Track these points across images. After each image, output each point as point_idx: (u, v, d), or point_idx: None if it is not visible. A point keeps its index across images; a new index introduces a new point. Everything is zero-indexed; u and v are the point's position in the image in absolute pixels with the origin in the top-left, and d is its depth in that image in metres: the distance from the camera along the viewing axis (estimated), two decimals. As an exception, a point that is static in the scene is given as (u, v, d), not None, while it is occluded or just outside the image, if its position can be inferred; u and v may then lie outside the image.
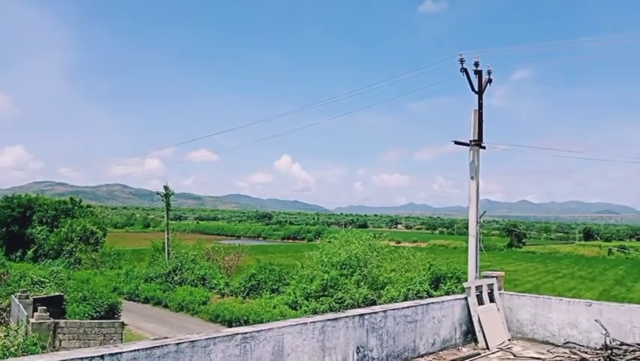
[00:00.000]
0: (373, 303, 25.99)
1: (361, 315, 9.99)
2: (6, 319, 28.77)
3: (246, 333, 7.60)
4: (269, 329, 8.03)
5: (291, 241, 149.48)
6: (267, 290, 34.46)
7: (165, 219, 50.90)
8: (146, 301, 38.21)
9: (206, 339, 7.00)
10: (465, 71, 14.79)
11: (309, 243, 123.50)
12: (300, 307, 29.36)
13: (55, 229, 59.83)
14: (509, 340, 13.31)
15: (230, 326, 28.82)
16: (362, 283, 29.17)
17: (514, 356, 12.00)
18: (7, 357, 17.39)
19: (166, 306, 36.40)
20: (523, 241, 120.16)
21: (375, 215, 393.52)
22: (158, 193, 50.92)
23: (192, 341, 6.80)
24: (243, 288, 35.59)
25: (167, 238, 46.49)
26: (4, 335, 21.22)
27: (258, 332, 7.80)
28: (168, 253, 44.93)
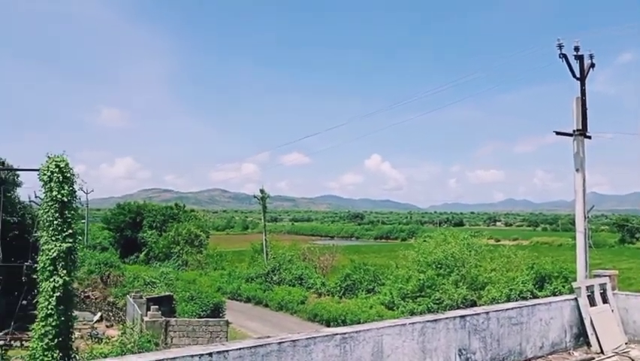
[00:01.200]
0: (473, 304, 25.14)
1: (462, 316, 9.70)
2: (122, 317, 31.12)
3: (345, 333, 7.66)
4: (368, 330, 8.03)
5: (383, 240, 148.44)
6: (362, 290, 34.45)
7: (262, 221, 52.59)
8: (248, 300, 39.67)
9: (306, 339, 7.14)
10: (564, 56, 13.90)
11: (403, 242, 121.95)
12: (397, 308, 29.02)
13: (163, 233, 63.75)
14: (626, 343, 12.33)
15: (328, 325, 29.15)
16: (460, 284, 28.30)
17: (633, 360, 11.11)
18: (125, 353, 18.70)
19: (266, 305, 37.57)
20: (637, 236, 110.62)
21: (472, 212, 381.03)
22: (254, 196, 52.71)
23: (294, 341, 6.96)
24: (338, 288, 35.86)
25: (265, 240, 47.97)
26: (122, 333, 22.93)
27: (357, 332, 7.83)
28: (266, 254, 46.36)
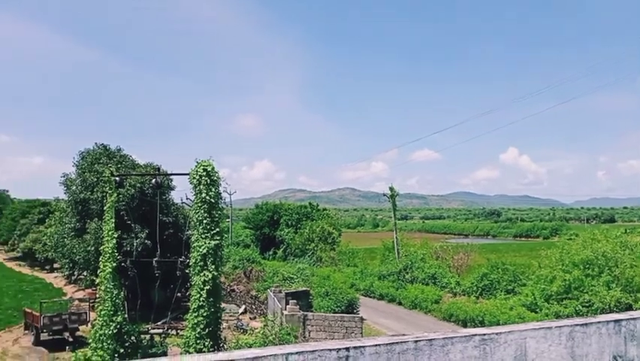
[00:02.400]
0: (629, 308, 22.79)
1: (617, 321, 8.83)
2: (264, 310, 32.94)
3: (484, 335, 7.37)
4: (509, 332, 7.64)
5: (523, 239, 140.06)
6: (501, 291, 32.86)
7: (393, 219, 52.37)
8: (381, 297, 39.83)
9: (443, 338, 6.99)
10: None
11: (545, 241, 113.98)
12: (540, 310, 27.24)
13: (298, 231, 66.39)
14: None
15: (464, 326, 28.28)
16: (613, 285, 25.75)
17: None
18: (267, 345, 19.77)
19: (400, 303, 37.41)
20: None
21: (625, 207, 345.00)
22: (384, 195, 52.65)
23: (430, 340, 6.85)
24: (475, 288, 34.58)
25: (396, 238, 47.76)
26: (264, 325, 24.25)
27: (497, 334, 7.49)
28: (398, 252, 46.15)
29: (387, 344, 6.54)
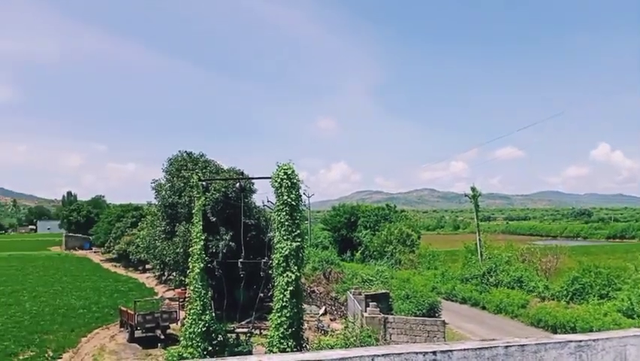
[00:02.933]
0: None
1: None
2: (344, 312, 33.07)
3: (580, 341, 7.01)
4: (607, 339, 7.23)
5: (617, 240, 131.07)
6: (593, 295, 30.98)
7: (475, 220, 50.84)
8: (464, 301, 38.77)
9: (536, 344, 6.73)
10: None
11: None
12: (639, 316, 25.49)
13: (376, 233, 66.12)
14: None
15: (554, 332, 26.94)
16: None
17: None
18: (348, 346, 19.83)
19: (483, 307, 36.25)
20: None
21: None
22: (465, 195, 51.23)
23: (522, 345, 6.63)
24: (565, 292, 32.81)
25: (479, 240, 46.33)
26: (344, 327, 24.39)
27: (594, 340, 7.10)
28: (481, 255, 44.74)
29: (475, 349, 6.39)
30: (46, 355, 26.03)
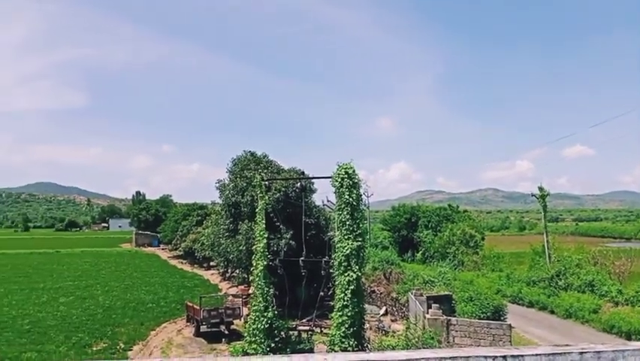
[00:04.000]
0: None
1: None
2: (405, 313, 32.69)
3: (663, 350, 6.61)
4: (693, 348, 6.77)
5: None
6: (673, 301, 29.09)
7: (542, 221, 48.93)
8: (530, 305, 37.38)
9: (613, 351, 6.41)
10: None
11: None
12: None
13: (438, 233, 64.96)
14: None
15: (629, 338, 25.56)
16: None
17: None
18: (410, 347, 19.58)
19: (552, 312, 34.81)
20: None
21: None
22: (532, 195, 49.35)
23: (598, 352, 6.32)
24: (640, 297, 31.01)
25: (547, 241, 44.54)
26: (406, 328, 24.08)
27: (678, 349, 6.67)
28: (549, 257, 42.99)
29: (548, 354, 6.16)
30: (118, 347, 27.30)
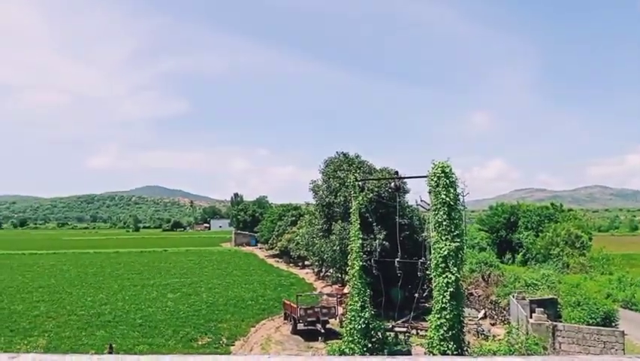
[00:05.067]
0: None
1: None
2: (506, 317, 31.39)
3: None
4: None
5: None
6: None
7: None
8: (647, 311, 34.49)
9: None
10: None
11: None
12: None
13: (539, 234, 61.64)
14: None
15: None
16: None
17: None
18: (512, 353, 18.74)
19: (672, 319, 31.86)
20: None
21: None
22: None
23: None
24: None
25: (665, 243, 40.81)
26: (508, 332, 23.13)
27: None
28: (668, 260, 39.38)
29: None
30: (221, 342, 28.67)
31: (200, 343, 28.45)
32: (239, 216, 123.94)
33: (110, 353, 22.69)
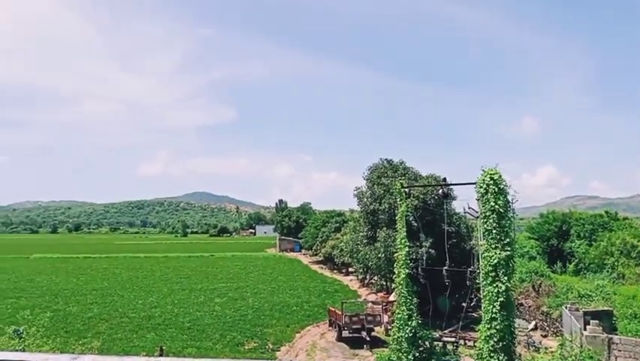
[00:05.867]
0: None
1: None
2: (559, 328, 30.36)
3: None
4: None
5: None
6: None
7: None
8: None
9: None
10: None
11: None
12: None
13: (593, 243, 59.44)
14: None
15: None
16: None
17: None
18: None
19: None
20: None
21: None
22: None
23: None
24: None
25: None
26: (560, 345, 22.38)
27: None
28: None
29: None
30: (267, 347, 28.97)
31: (246, 347, 28.82)
32: (283, 223, 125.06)
33: (161, 355, 23.30)
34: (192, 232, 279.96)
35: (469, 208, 21.04)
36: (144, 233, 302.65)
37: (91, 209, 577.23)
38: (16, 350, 17.85)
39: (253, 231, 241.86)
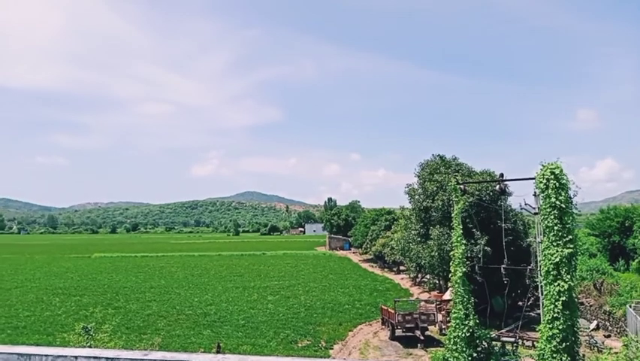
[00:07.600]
0: None
1: None
2: (623, 328, 29.03)
3: None
4: None
5: None
6: None
7: None
8: None
9: None
10: None
11: None
12: None
13: (658, 239, 56.51)
14: None
15: None
16: None
17: None
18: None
19: None
20: None
21: None
22: None
23: None
24: None
25: None
26: (624, 345, 21.36)
27: None
28: None
29: None
30: (320, 345, 29.07)
31: (300, 345, 29.01)
32: (332, 221, 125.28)
33: (218, 352, 23.80)
34: (244, 231, 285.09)
35: (525, 204, 20.43)
36: (198, 232, 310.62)
37: (147, 210, 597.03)
38: (88, 347, 18.66)
39: (302, 229, 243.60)
